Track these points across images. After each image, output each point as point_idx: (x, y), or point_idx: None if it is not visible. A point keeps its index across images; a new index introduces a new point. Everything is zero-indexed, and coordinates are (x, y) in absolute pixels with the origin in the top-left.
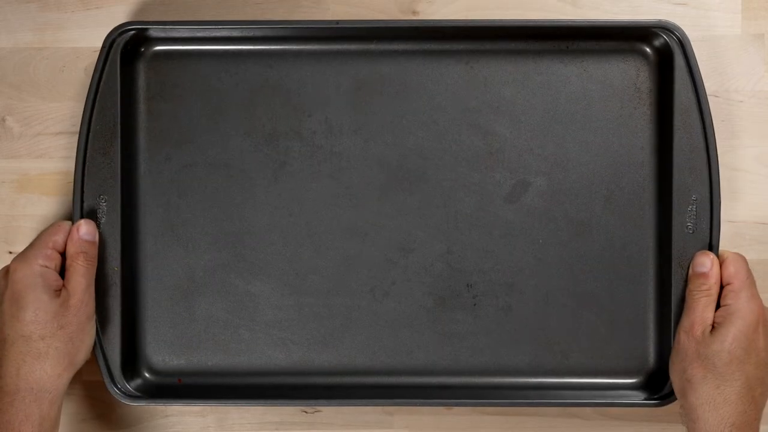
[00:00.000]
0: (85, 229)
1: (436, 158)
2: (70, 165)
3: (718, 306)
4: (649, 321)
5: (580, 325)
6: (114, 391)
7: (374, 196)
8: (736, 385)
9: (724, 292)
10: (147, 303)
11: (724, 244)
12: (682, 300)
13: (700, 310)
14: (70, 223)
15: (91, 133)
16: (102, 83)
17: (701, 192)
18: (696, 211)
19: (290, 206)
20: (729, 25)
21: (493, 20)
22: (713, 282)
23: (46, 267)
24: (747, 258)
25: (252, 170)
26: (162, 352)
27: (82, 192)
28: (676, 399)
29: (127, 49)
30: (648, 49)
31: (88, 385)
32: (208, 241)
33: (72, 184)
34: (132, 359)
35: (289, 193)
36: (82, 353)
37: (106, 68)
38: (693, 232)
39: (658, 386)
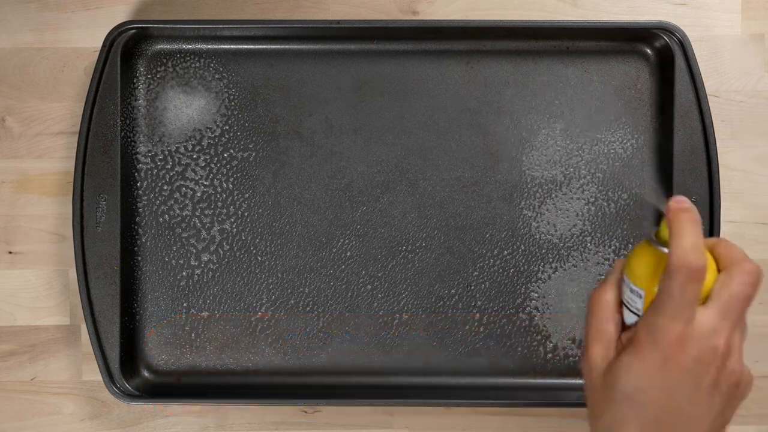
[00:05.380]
0: None
1: (436, 158)
2: (70, 165)
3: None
4: None
5: (580, 326)
6: (113, 391)
7: (374, 196)
8: None
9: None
10: (146, 303)
11: None
12: None
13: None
14: None
15: (91, 133)
16: (102, 83)
17: (701, 192)
18: None
19: (290, 206)
20: (729, 25)
21: (493, 20)
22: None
23: None
24: None
25: (252, 170)
26: (161, 352)
27: (82, 192)
28: None
29: (128, 48)
30: (648, 50)
31: (88, 385)
32: (208, 241)
33: (72, 184)
34: (131, 359)
35: (288, 193)
36: None
37: (106, 68)
38: None
39: None
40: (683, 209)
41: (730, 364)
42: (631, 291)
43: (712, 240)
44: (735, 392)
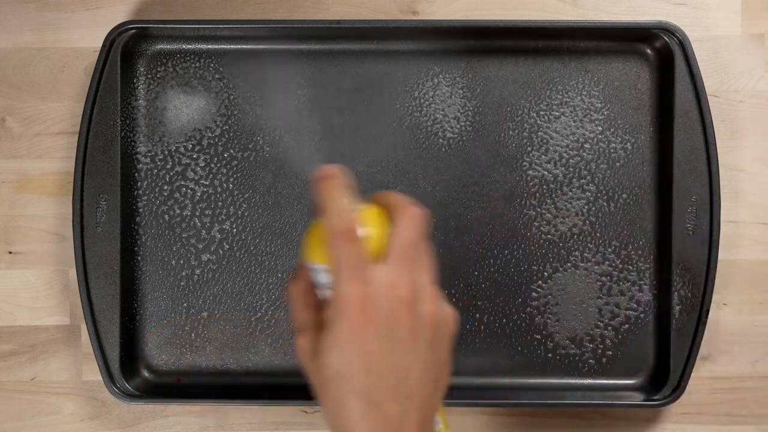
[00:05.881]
0: None
1: (436, 158)
2: (70, 165)
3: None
4: (649, 322)
5: (580, 326)
6: (113, 391)
7: None
8: None
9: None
10: (146, 303)
11: (724, 244)
12: (682, 301)
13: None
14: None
15: (91, 133)
16: (102, 83)
17: (701, 192)
18: (696, 211)
19: (290, 206)
20: (729, 25)
21: (493, 20)
22: None
23: None
24: (747, 258)
25: (252, 170)
26: (161, 352)
27: (82, 192)
28: (675, 400)
29: (128, 48)
30: (648, 50)
31: (88, 385)
32: (208, 241)
33: (72, 184)
34: (131, 359)
35: (288, 193)
36: None
37: (106, 68)
38: (693, 233)
39: (657, 387)
40: (325, 176)
41: (421, 309)
42: (316, 270)
43: (377, 195)
44: (438, 333)
